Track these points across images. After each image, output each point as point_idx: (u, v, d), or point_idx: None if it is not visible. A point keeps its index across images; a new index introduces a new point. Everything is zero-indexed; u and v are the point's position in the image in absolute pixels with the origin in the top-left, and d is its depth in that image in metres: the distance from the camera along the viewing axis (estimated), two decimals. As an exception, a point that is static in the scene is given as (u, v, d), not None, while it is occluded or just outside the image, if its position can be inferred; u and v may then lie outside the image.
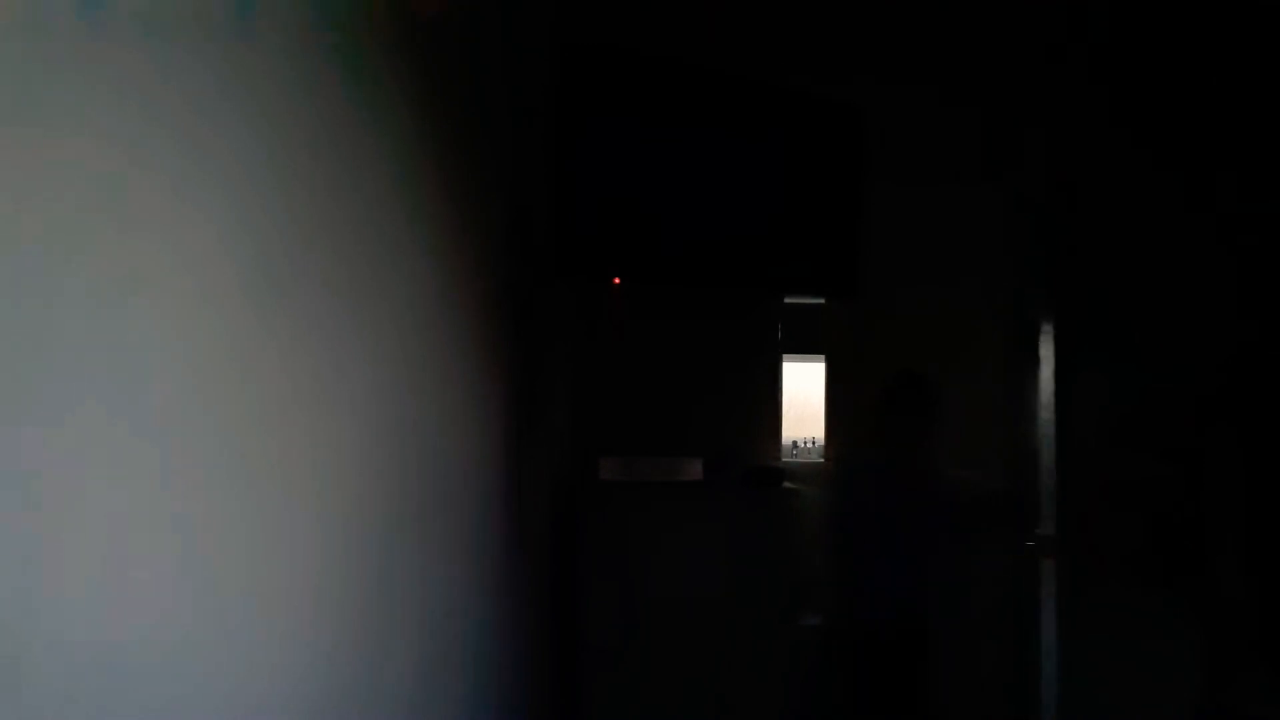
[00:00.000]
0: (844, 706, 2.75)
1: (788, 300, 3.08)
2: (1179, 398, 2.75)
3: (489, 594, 1.87)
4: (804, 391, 3.22)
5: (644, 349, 2.87)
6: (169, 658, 0.76)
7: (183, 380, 0.78)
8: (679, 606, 2.47)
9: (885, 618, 2.60)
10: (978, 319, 3.00)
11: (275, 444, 0.95)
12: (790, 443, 3.19)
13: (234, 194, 0.86)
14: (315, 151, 1.04)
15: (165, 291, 0.75)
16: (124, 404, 0.70)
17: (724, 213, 2.54)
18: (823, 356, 3.19)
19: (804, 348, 3.19)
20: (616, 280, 2.46)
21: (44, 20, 0.61)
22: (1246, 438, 2.74)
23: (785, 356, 3.14)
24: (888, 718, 2.69)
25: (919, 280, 3.02)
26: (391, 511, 1.32)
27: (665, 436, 2.80)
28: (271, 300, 0.94)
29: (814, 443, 3.25)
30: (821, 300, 3.07)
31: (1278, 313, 2.74)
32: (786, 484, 2.75)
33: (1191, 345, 2.76)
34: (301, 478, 1.02)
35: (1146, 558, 2.73)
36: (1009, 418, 2.89)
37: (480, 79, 1.83)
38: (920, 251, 3.00)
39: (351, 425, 1.16)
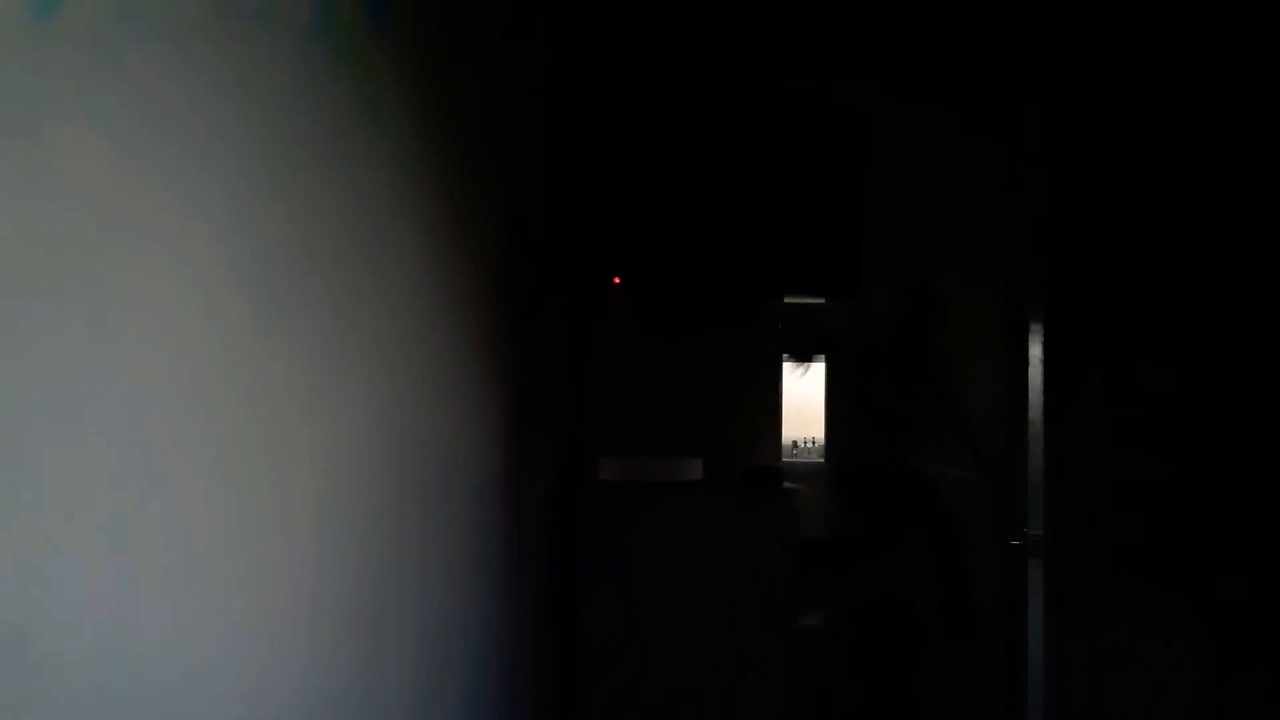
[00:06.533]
0: (844, 706, 2.75)
1: (788, 300, 3.08)
2: (1179, 397, 2.75)
3: (488, 594, 1.88)
4: (804, 391, 3.22)
5: (644, 349, 2.87)
6: (167, 660, 0.77)
7: (181, 381, 0.78)
8: (679, 606, 2.47)
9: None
10: (977, 318, 3.00)
11: (273, 446, 0.95)
12: (790, 443, 3.20)
13: (231, 195, 0.86)
14: (314, 152, 1.04)
15: (163, 293, 0.75)
16: (122, 406, 0.70)
17: (724, 214, 2.54)
18: (823, 356, 3.19)
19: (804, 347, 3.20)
20: (616, 280, 2.46)
21: (44, 21, 0.61)
22: (1246, 438, 2.74)
23: (785, 356, 3.15)
24: (886, 718, 2.69)
25: (919, 280, 3.04)
26: (390, 513, 1.32)
27: (665, 436, 2.80)
28: (269, 302, 0.94)
29: (814, 443, 3.26)
30: (821, 300, 3.07)
31: (1278, 313, 2.74)
32: (786, 484, 2.75)
33: (1191, 345, 2.77)
34: (300, 479, 1.02)
35: (1145, 558, 2.73)
36: (1008, 417, 2.89)
37: (480, 79, 1.83)
38: (920, 252, 3.01)
39: (350, 427, 1.16)
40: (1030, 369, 2.53)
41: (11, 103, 0.58)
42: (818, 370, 3.21)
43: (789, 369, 3.07)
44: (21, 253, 0.60)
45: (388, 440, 1.30)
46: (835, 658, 2.94)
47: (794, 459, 3.18)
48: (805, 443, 3.25)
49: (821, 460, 3.20)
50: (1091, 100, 2.85)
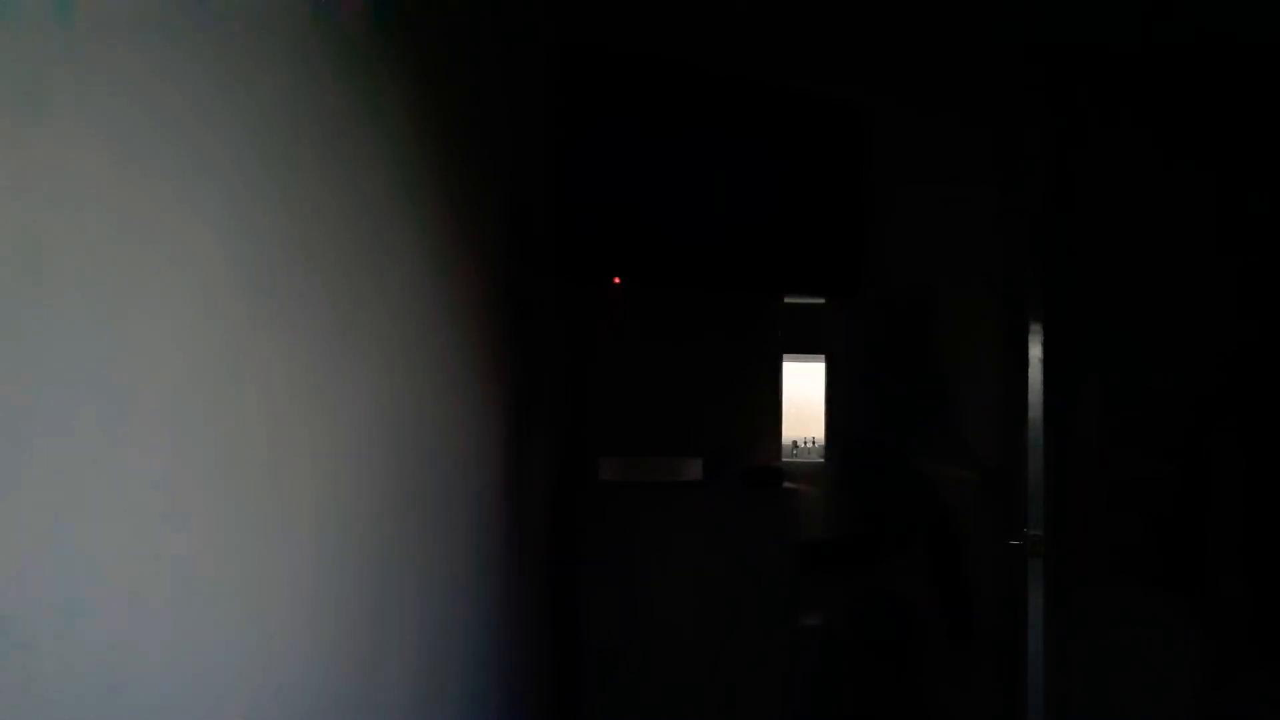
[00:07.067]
0: (844, 706, 2.75)
1: (788, 300, 3.09)
2: (1179, 397, 2.75)
3: (488, 595, 1.88)
4: (804, 391, 3.22)
5: (644, 349, 2.87)
6: (167, 660, 0.77)
7: (181, 382, 0.78)
8: (679, 606, 2.47)
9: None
10: (977, 318, 3.00)
11: (273, 446, 0.95)
12: (790, 443, 3.19)
13: (232, 195, 0.86)
14: (314, 152, 1.04)
15: (163, 293, 0.75)
16: (122, 406, 0.70)
17: (724, 214, 2.54)
18: (823, 356, 3.19)
19: (804, 348, 3.20)
20: (616, 280, 2.46)
21: (44, 20, 0.61)
22: (1247, 438, 2.74)
23: (785, 356, 3.15)
24: (886, 718, 2.69)
25: (919, 280, 3.04)
26: (390, 513, 1.32)
27: (665, 436, 2.80)
28: (269, 302, 0.94)
29: (814, 443, 3.25)
30: (821, 300, 3.08)
31: (1278, 313, 2.74)
32: (786, 484, 2.75)
33: (1191, 345, 2.77)
34: (299, 479, 1.02)
35: (1145, 558, 2.73)
36: (1008, 417, 2.89)
37: (480, 79, 1.83)
38: (920, 252, 3.01)
39: (350, 427, 1.16)
40: (1030, 369, 2.53)
41: (11, 102, 0.58)
42: (817, 370, 3.21)
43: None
44: (21, 253, 0.60)
45: (388, 440, 1.30)
46: (835, 658, 2.94)
47: (794, 459, 3.18)
48: (805, 443, 3.25)
49: (821, 460, 3.20)
50: (1091, 100, 2.85)
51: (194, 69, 0.79)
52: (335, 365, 1.11)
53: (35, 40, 0.61)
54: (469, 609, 1.74)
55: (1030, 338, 2.56)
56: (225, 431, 0.85)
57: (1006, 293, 2.95)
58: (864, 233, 2.78)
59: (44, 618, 0.62)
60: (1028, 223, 2.64)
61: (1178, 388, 2.76)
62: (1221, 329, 2.79)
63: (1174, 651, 2.65)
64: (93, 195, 0.66)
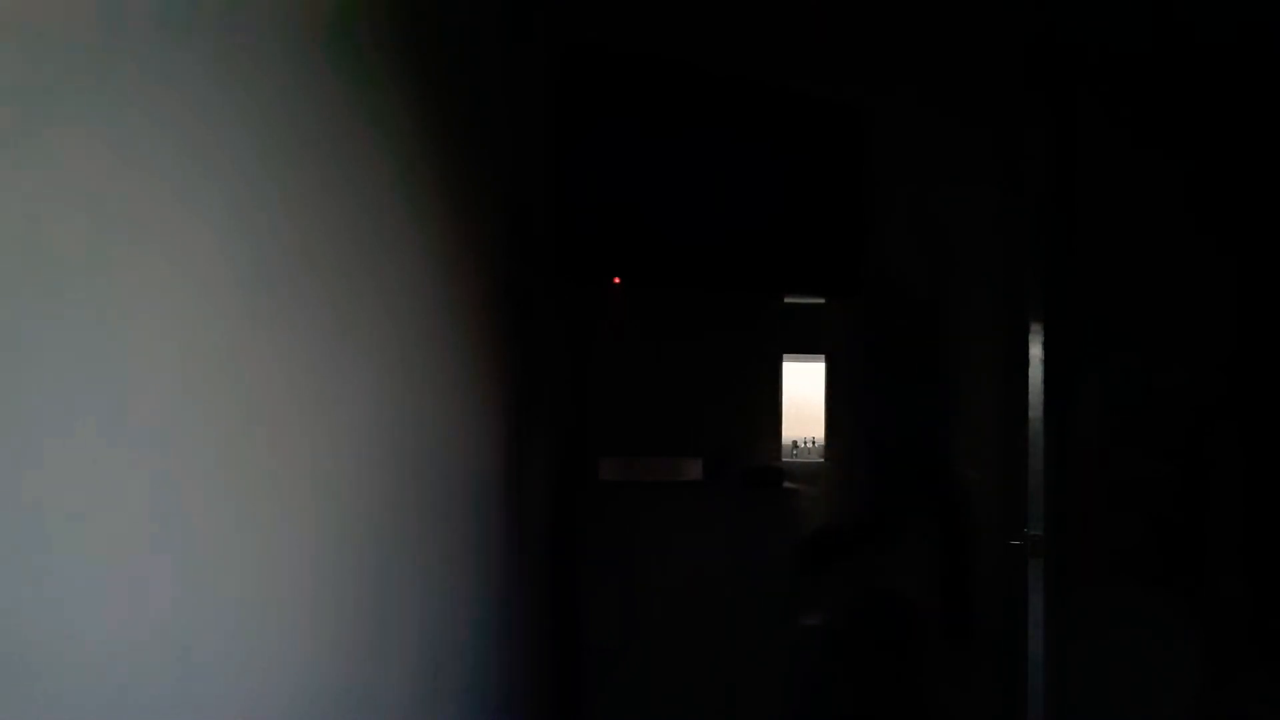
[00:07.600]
0: (844, 706, 2.75)
1: (788, 300, 3.09)
2: (1179, 397, 2.75)
3: (488, 595, 1.87)
4: (804, 391, 3.21)
5: (644, 349, 2.87)
6: (168, 660, 0.77)
7: (181, 383, 0.78)
8: (679, 606, 2.47)
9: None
10: (977, 318, 3.01)
11: (273, 447, 0.95)
12: (790, 443, 3.19)
13: (232, 196, 0.86)
14: (314, 153, 1.04)
15: (164, 294, 0.75)
16: (123, 407, 0.70)
17: (725, 214, 2.54)
18: (823, 356, 3.19)
19: (804, 348, 3.20)
20: (616, 280, 2.46)
21: (44, 22, 0.61)
22: (1247, 438, 2.74)
23: (785, 356, 3.15)
24: (886, 718, 2.69)
25: (919, 279, 3.04)
26: (390, 513, 1.32)
27: (665, 436, 2.80)
28: (269, 303, 0.94)
29: (814, 443, 3.25)
30: (821, 300, 3.08)
31: (1278, 313, 2.74)
32: (786, 484, 2.76)
33: (1192, 345, 2.77)
34: (299, 480, 1.02)
35: (1145, 558, 2.73)
36: (1009, 417, 2.89)
37: (480, 79, 1.83)
38: (920, 252, 3.02)
39: (350, 428, 1.16)
40: (1030, 369, 2.53)
41: (11, 103, 0.58)
42: (817, 370, 3.21)
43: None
44: (21, 252, 0.60)
45: (388, 440, 1.30)
46: (835, 658, 2.94)
47: (794, 459, 3.18)
48: (805, 443, 3.25)
49: (821, 460, 3.20)
50: (1091, 100, 2.85)
51: (194, 69, 0.79)
52: (335, 365, 1.11)
53: (36, 40, 0.61)
54: (469, 609, 1.74)
55: (1030, 338, 2.56)
56: (225, 431, 0.85)
57: (1006, 293, 2.95)
58: (864, 233, 2.78)
59: (44, 617, 0.62)
60: (1028, 223, 2.64)
61: (1178, 388, 2.76)
62: (1222, 329, 2.79)
63: (1174, 651, 2.65)
64: (93, 195, 0.66)
